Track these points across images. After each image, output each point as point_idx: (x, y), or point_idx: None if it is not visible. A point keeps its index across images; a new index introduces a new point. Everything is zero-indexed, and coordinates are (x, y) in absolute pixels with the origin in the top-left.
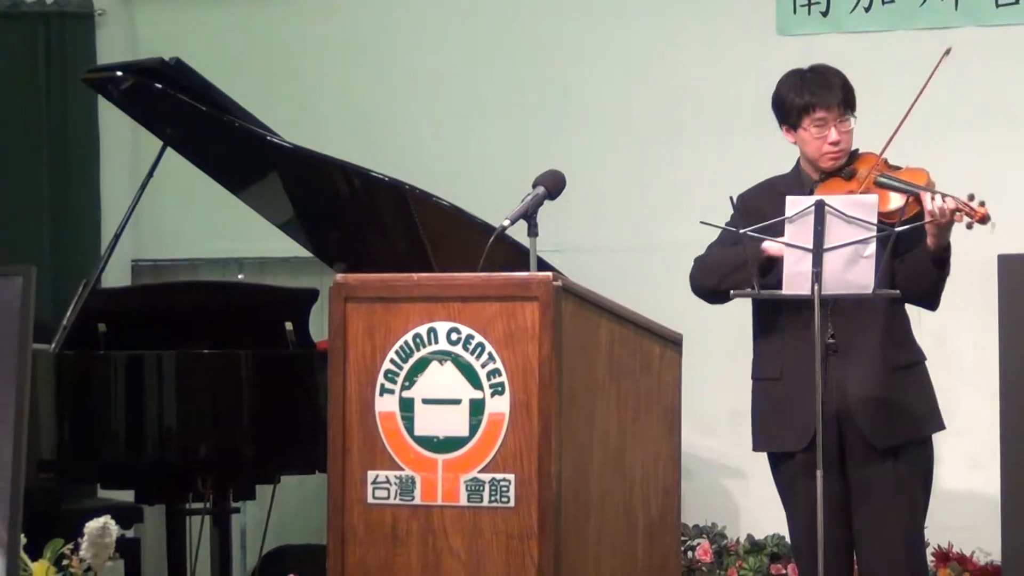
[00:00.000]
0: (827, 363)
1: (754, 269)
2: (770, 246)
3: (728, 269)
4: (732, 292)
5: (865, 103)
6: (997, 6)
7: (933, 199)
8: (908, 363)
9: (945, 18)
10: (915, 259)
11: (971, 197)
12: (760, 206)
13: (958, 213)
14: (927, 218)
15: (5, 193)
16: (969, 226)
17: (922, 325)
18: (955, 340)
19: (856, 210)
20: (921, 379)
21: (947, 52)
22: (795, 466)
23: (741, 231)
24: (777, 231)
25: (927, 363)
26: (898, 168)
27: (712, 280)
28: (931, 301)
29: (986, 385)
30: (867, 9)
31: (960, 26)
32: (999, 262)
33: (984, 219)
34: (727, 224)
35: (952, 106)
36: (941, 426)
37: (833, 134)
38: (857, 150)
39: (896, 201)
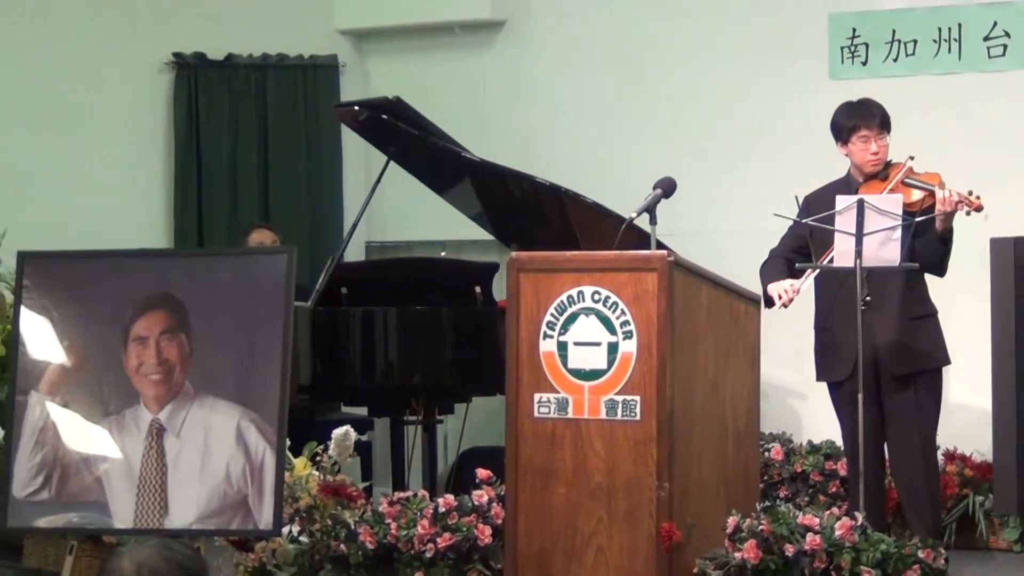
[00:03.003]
0: (864, 316)
1: (764, 296)
2: (772, 288)
3: (762, 283)
4: (797, 265)
5: (893, 126)
6: (989, 57)
7: (943, 193)
8: (921, 315)
9: (951, 66)
10: (927, 239)
11: (970, 192)
12: (820, 202)
13: (960, 204)
14: (938, 207)
15: (277, 196)
16: (968, 213)
17: (938, 290)
18: (962, 301)
19: (887, 205)
20: (931, 327)
21: (911, 158)
22: (843, 393)
23: (803, 220)
24: (829, 220)
25: (939, 316)
26: (919, 173)
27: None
28: (939, 269)
29: (983, 333)
30: (895, 60)
31: (962, 72)
32: (991, 244)
33: (979, 208)
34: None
35: (959, 131)
36: (947, 361)
37: (873, 147)
38: (891, 160)
39: (916, 195)
